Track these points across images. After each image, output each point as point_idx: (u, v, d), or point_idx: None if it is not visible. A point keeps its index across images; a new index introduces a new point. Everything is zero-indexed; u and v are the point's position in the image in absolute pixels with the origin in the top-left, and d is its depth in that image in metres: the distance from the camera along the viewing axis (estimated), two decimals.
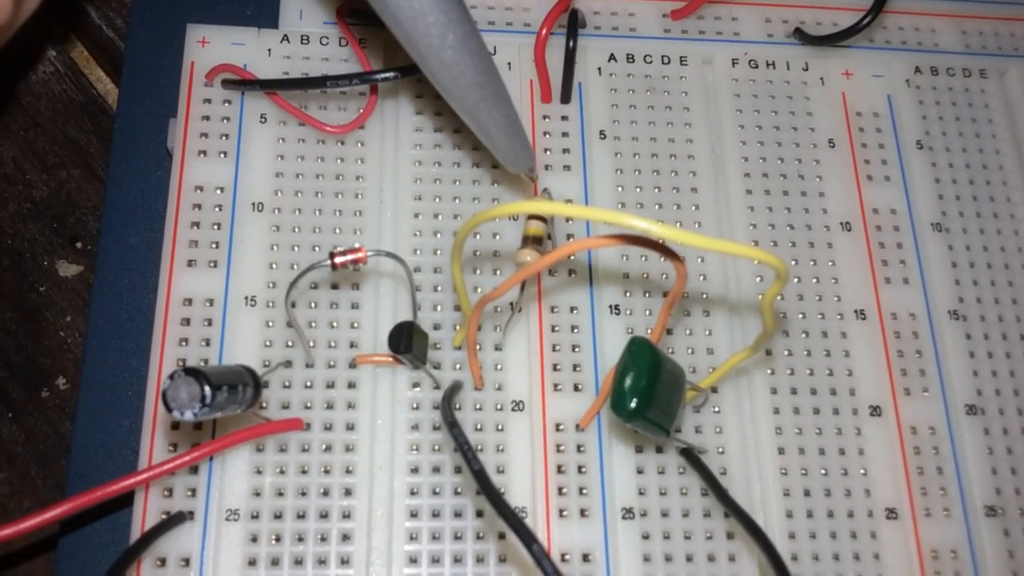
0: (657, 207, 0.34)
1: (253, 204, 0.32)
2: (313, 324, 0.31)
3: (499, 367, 0.31)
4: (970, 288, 0.35)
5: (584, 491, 0.30)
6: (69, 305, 0.35)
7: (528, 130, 0.34)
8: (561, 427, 0.31)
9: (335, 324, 0.31)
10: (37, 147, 0.37)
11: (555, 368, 0.32)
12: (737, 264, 0.34)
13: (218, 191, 0.33)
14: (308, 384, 0.30)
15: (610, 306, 0.32)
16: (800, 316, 0.33)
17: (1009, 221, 0.36)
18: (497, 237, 0.33)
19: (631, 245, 0.24)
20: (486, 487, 0.24)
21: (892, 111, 0.37)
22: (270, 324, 0.31)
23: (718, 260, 0.34)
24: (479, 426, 0.31)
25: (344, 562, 0.29)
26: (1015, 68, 0.38)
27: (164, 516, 0.28)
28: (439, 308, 0.32)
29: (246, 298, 0.31)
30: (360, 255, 0.27)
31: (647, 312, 0.33)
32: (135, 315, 0.32)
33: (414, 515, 0.29)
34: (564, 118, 0.35)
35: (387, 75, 0.33)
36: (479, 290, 0.32)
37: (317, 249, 0.32)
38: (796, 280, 0.34)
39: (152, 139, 0.34)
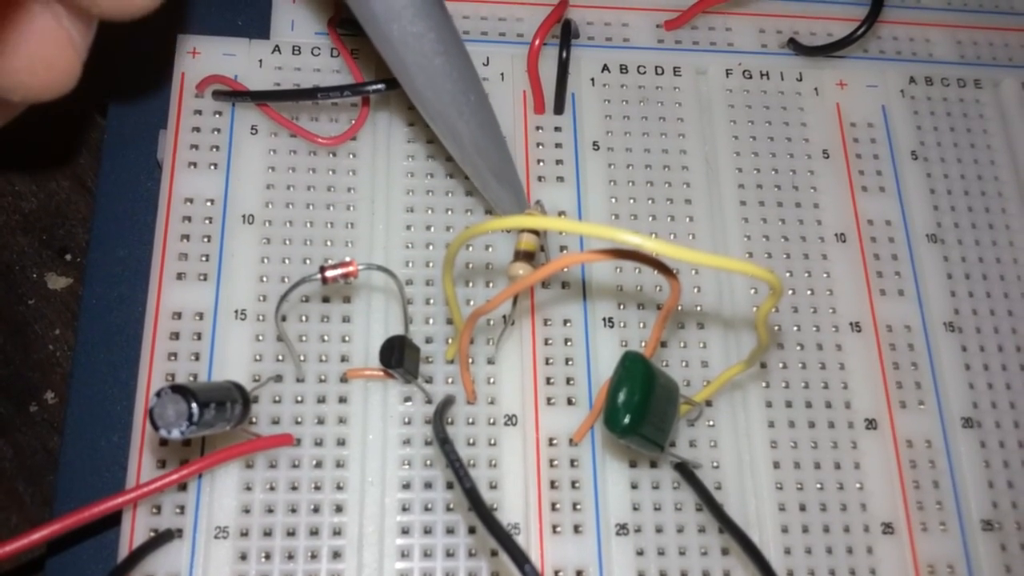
0: (651, 219, 0.34)
1: (243, 216, 0.32)
2: (304, 338, 0.31)
3: (492, 381, 0.31)
4: (965, 300, 0.34)
5: (578, 506, 0.30)
6: (58, 318, 0.35)
7: (521, 142, 0.34)
8: (554, 441, 0.31)
9: (326, 338, 0.31)
10: (26, 158, 0.36)
11: (548, 382, 0.31)
12: (731, 276, 0.33)
13: (208, 203, 0.32)
14: (298, 399, 0.30)
15: (604, 319, 0.32)
16: (795, 328, 0.33)
17: (1004, 232, 0.36)
18: (490, 249, 0.33)
19: (624, 259, 0.24)
20: (478, 506, 0.23)
21: (887, 121, 0.37)
22: (260, 338, 0.31)
23: (712, 273, 0.33)
24: (472, 440, 0.30)
25: None
26: (1010, 78, 0.38)
27: (152, 534, 0.28)
28: (431, 321, 0.32)
29: (236, 312, 0.31)
30: (351, 269, 0.27)
31: (641, 325, 0.32)
32: (124, 328, 0.32)
33: (405, 532, 0.29)
34: (557, 129, 0.35)
35: (379, 86, 0.32)
36: (471, 303, 0.32)
37: (308, 262, 0.32)
38: (791, 292, 0.34)
39: (142, 150, 0.34)
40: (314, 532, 0.29)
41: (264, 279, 0.31)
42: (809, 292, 0.34)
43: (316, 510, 0.29)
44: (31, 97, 0.24)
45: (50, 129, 0.37)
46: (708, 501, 0.29)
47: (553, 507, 0.30)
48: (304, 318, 0.31)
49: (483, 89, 0.29)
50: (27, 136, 0.37)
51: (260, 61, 0.34)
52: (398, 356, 0.29)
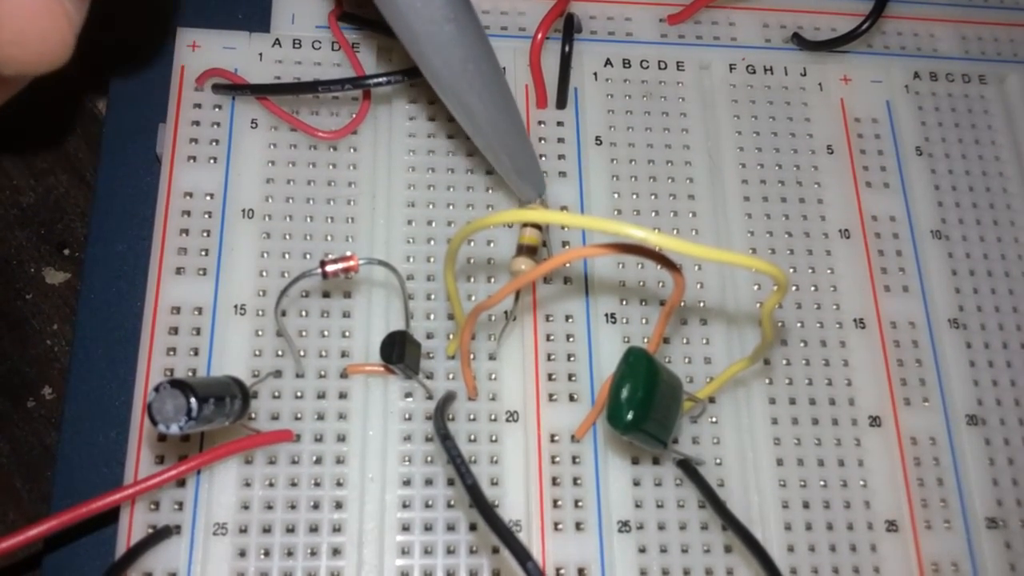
0: (654, 214, 0.34)
1: (243, 211, 0.32)
2: (304, 333, 0.31)
3: (493, 377, 0.31)
4: (970, 296, 0.34)
5: (579, 504, 0.30)
6: (56, 313, 0.34)
7: None
8: (556, 438, 0.30)
9: (326, 333, 0.31)
10: (24, 152, 0.36)
11: (550, 378, 0.31)
12: (735, 272, 0.33)
13: (208, 197, 0.32)
14: (298, 394, 0.30)
15: (606, 315, 0.32)
16: (798, 325, 0.33)
17: (1009, 228, 0.35)
18: (491, 244, 0.33)
19: (627, 254, 0.24)
20: (480, 503, 0.23)
21: (891, 117, 0.37)
22: (260, 333, 0.30)
23: (715, 268, 0.33)
24: (473, 437, 0.30)
25: None
26: (1015, 74, 0.38)
27: (150, 530, 0.28)
28: (432, 317, 0.31)
29: (235, 307, 0.31)
30: (351, 264, 0.26)
31: (643, 320, 0.32)
32: (123, 324, 0.31)
33: (406, 528, 0.29)
34: (560, 124, 0.35)
35: (380, 80, 0.32)
36: (473, 299, 0.32)
37: (308, 257, 0.32)
38: (795, 288, 0.33)
39: (141, 144, 0.33)
40: (314, 528, 0.28)
41: (264, 274, 0.31)
42: (813, 288, 0.33)
43: (316, 506, 0.29)
44: (24, 70, 0.24)
45: (48, 123, 0.37)
46: (711, 498, 0.29)
47: (555, 504, 0.30)
48: (304, 313, 0.31)
49: (496, 61, 0.28)
50: (25, 130, 0.36)
51: (260, 54, 0.34)
52: (399, 352, 0.29)
